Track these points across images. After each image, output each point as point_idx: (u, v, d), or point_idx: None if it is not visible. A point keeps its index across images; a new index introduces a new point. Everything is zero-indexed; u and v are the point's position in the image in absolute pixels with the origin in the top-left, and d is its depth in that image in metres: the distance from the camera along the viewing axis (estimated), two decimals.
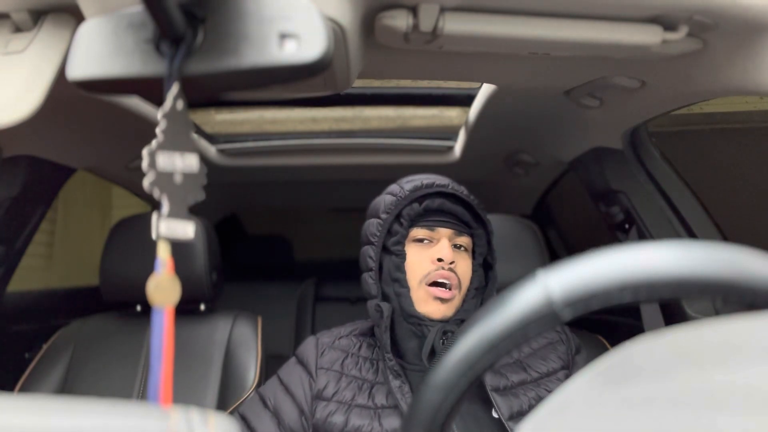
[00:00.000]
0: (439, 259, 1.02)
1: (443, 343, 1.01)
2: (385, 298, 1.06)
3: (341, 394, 0.99)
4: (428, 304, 1.02)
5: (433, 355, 1.00)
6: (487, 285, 1.12)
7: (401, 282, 1.04)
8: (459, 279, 1.03)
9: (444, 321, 1.03)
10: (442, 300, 1.01)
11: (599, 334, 1.38)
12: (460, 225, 1.07)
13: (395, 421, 0.93)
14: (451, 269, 1.02)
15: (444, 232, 1.05)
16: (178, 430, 0.28)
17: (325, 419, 0.96)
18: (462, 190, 1.08)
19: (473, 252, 1.10)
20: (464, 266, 1.05)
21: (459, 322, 1.03)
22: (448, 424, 0.35)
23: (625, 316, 1.58)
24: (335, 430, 0.95)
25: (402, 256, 1.05)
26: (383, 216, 1.07)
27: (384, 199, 1.09)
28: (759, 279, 0.31)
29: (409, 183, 1.09)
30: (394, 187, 1.11)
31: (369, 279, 1.07)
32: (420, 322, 1.02)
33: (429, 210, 1.06)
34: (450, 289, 1.02)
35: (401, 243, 1.06)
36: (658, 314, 1.31)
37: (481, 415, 0.96)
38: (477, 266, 1.08)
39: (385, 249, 1.08)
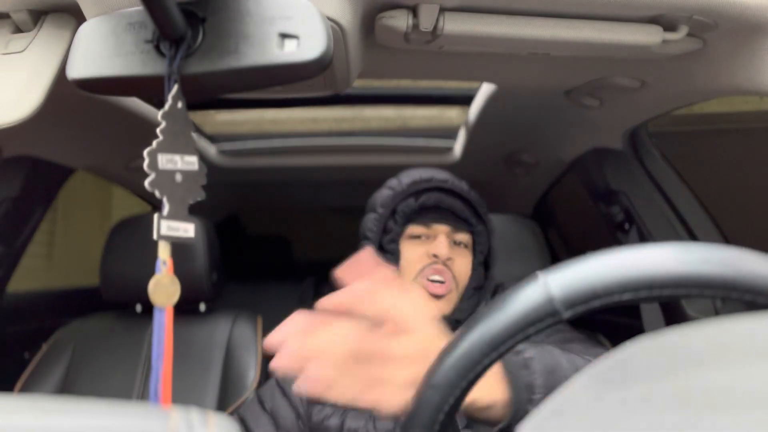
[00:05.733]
0: (435, 255, 0.97)
1: None
2: None
3: None
4: None
5: None
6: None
7: None
8: (455, 276, 0.99)
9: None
10: (437, 296, 0.97)
11: (599, 334, 1.38)
12: (459, 222, 1.02)
13: (389, 423, 0.92)
14: (446, 265, 0.98)
15: (441, 229, 1.01)
16: (178, 430, 0.28)
17: (321, 422, 0.96)
18: (462, 186, 1.03)
19: (474, 250, 1.06)
20: (462, 264, 1.01)
21: (454, 322, 0.98)
22: (448, 424, 0.35)
23: (625, 316, 1.58)
24: None
25: (396, 254, 1.01)
26: (380, 210, 1.03)
27: (381, 194, 1.06)
28: (759, 279, 0.31)
29: (408, 177, 1.04)
30: (392, 181, 1.07)
31: None
32: None
33: (425, 207, 1.01)
34: (445, 283, 0.97)
35: (395, 241, 1.02)
36: (658, 314, 1.31)
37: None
38: (477, 265, 1.04)
39: (381, 247, 1.04)
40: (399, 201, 1.02)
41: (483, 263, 1.07)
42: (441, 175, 1.04)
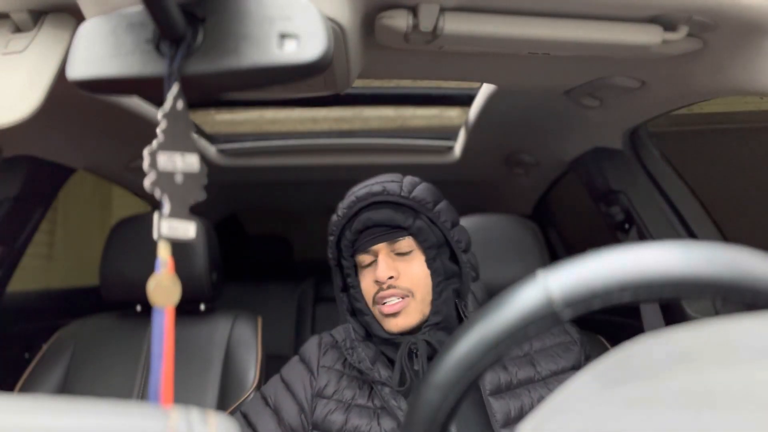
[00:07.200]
0: (376, 282, 1.00)
1: (415, 355, 0.98)
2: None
3: (341, 393, 0.99)
4: (386, 322, 1.00)
5: (410, 370, 0.97)
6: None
7: (364, 311, 1.03)
8: (407, 287, 0.99)
9: (412, 332, 1.00)
10: (394, 314, 0.99)
11: (599, 334, 1.38)
12: (393, 232, 1.00)
13: (392, 422, 0.94)
14: (390, 285, 0.99)
15: (379, 249, 1.00)
16: (178, 430, 0.28)
17: (324, 417, 0.97)
18: (394, 189, 1.00)
19: (423, 247, 1.02)
20: (412, 270, 1.00)
21: (432, 327, 1.00)
22: (448, 424, 0.35)
23: (625, 316, 1.58)
24: (334, 428, 0.95)
25: (357, 287, 1.04)
26: (330, 238, 1.06)
27: (332, 218, 1.07)
28: (759, 279, 0.31)
29: (347, 198, 1.04)
30: (341, 203, 1.07)
31: (341, 302, 1.08)
32: (394, 341, 1.01)
33: (360, 231, 1.01)
34: (400, 299, 0.99)
35: (351, 275, 1.05)
36: (658, 314, 1.31)
37: (478, 418, 0.94)
38: (432, 260, 1.00)
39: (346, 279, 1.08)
40: (340, 230, 1.04)
41: (446, 250, 1.03)
42: (376, 187, 1.02)
